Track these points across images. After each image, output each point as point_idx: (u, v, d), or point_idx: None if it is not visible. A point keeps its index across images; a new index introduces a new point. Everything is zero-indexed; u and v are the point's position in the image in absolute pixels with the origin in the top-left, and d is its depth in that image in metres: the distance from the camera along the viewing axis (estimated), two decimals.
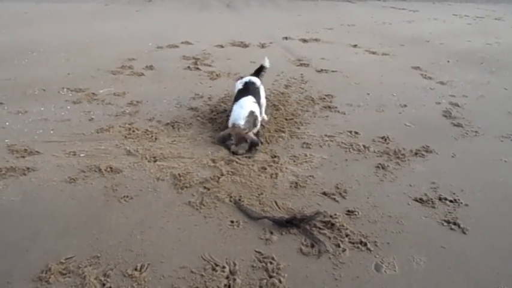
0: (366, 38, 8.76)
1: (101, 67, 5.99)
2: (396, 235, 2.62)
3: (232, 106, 3.97)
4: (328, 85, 5.53)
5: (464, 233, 2.67)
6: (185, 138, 3.84)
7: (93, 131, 3.93)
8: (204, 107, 4.64)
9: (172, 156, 3.50)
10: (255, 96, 3.97)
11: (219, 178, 3.18)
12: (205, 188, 3.05)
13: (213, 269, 2.28)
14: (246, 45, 7.83)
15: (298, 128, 4.13)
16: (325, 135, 3.98)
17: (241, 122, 3.66)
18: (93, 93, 4.92)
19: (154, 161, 3.41)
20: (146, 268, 2.28)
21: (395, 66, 6.64)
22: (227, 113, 4.40)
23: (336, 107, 4.73)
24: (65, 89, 5.03)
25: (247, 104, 3.81)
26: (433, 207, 2.93)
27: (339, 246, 2.49)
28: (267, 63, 4.61)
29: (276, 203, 2.90)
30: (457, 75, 6.16)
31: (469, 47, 8.16)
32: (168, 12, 11.83)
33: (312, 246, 2.49)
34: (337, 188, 3.12)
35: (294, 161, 3.49)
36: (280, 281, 2.21)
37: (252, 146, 3.60)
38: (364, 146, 3.78)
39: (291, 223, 2.64)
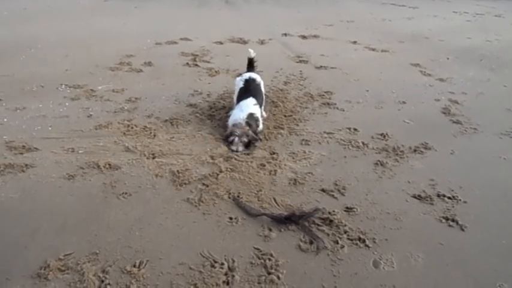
0: (366, 35, 8.74)
1: (99, 63, 5.97)
2: (394, 232, 2.63)
3: (234, 107, 4.03)
4: (328, 82, 5.52)
5: (462, 230, 2.67)
6: (184, 135, 3.84)
7: (92, 127, 3.92)
8: (202, 103, 4.63)
9: (171, 153, 3.49)
10: (256, 95, 4.00)
11: (217, 175, 3.18)
12: (204, 184, 3.05)
13: (212, 266, 2.29)
14: (245, 42, 7.81)
15: (297, 125, 4.13)
16: (324, 132, 3.98)
17: (242, 122, 3.69)
18: (91, 90, 4.91)
19: (153, 158, 3.41)
20: (145, 265, 2.28)
21: (395, 63, 6.63)
22: (226, 109, 4.40)
23: (335, 104, 4.73)
24: (63, 86, 5.01)
25: (247, 107, 3.84)
26: (432, 204, 2.93)
27: (337, 242, 2.50)
28: (252, 54, 4.62)
29: (274, 199, 2.90)
30: (457, 72, 6.16)
31: (469, 44, 8.14)
32: (167, 9, 11.78)
33: (311, 242, 2.49)
34: (336, 184, 3.12)
35: (293, 158, 3.49)
36: (278, 278, 2.21)
37: (251, 141, 3.60)
38: (363, 143, 3.78)
39: (289, 220, 2.64)
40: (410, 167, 3.43)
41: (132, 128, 3.93)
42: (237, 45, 7.56)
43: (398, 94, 5.13)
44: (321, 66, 6.25)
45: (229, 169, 3.27)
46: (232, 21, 10.12)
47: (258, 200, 2.89)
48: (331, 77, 5.81)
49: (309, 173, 3.27)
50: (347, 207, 2.84)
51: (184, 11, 11.54)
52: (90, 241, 2.44)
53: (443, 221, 2.75)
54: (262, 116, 4.07)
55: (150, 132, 3.85)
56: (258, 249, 2.43)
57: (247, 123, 3.69)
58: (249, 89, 4.06)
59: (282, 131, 3.97)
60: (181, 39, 7.79)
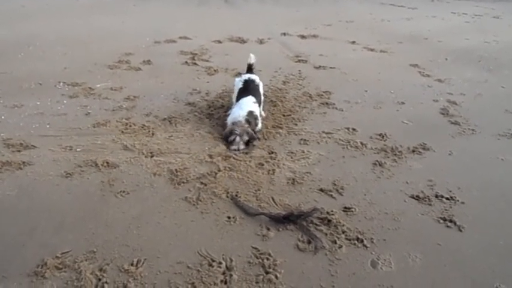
0: (364, 35, 8.75)
1: (98, 61, 5.95)
2: (393, 232, 2.63)
3: (233, 106, 4.03)
4: (326, 82, 5.52)
5: (460, 230, 2.67)
6: (182, 134, 3.83)
7: (90, 125, 3.91)
8: (201, 102, 4.63)
9: (169, 152, 3.49)
10: (255, 95, 4.00)
11: (216, 174, 3.17)
12: (202, 183, 3.05)
13: (210, 265, 2.28)
14: (244, 41, 7.80)
15: (296, 125, 4.13)
16: (323, 132, 3.98)
17: (241, 120, 3.68)
18: (90, 88, 4.89)
19: (151, 156, 3.40)
20: (142, 263, 2.27)
21: (394, 64, 6.64)
22: (225, 108, 4.39)
23: (334, 104, 4.73)
24: (62, 83, 5.00)
25: (246, 105, 3.85)
26: (430, 204, 2.93)
27: (335, 242, 2.50)
28: (252, 60, 4.62)
29: (273, 199, 2.90)
30: (455, 73, 6.16)
31: (467, 45, 8.15)
32: (166, 7, 11.76)
33: (309, 242, 2.49)
34: (334, 184, 3.12)
35: (291, 157, 3.49)
36: (276, 277, 2.21)
37: (250, 139, 3.60)
38: (361, 143, 3.78)
39: (288, 219, 2.64)
40: (408, 168, 3.43)
41: (130, 126, 3.92)
42: (236, 45, 7.56)
43: (397, 94, 5.14)
44: (320, 66, 6.25)
45: (227, 168, 3.26)
46: (232, 20, 10.11)
47: (257, 200, 2.88)
48: (330, 76, 5.81)
49: (308, 172, 3.26)
50: (345, 207, 2.84)
51: (184, 10, 11.53)
52: (88, 239, 2.44)
53: (441, 221, 2.75)
54: (261, 115, 4.07)
55: (149, 131, 3.84)
56: (256, 248, 2.43)
57: (247, 121, 3.69)
58: (248, 89, 4.08)
59: (280, 131, 3.96)
60: (180, 37, 7.78)
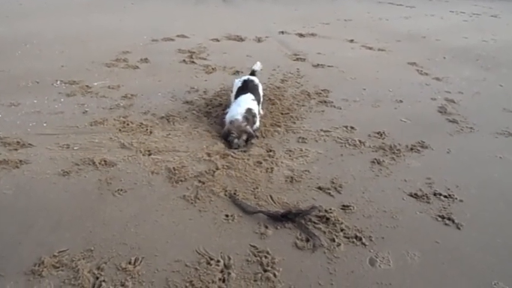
0: (363, 33, 8.74)
1: (95, 60, 5.93)
2: (391, 230, 2.63)
3: (231, 104, 4.02)
4: (324, 80, 5.51)
5: (458, 228, 2.67)
6: (180, 132, 3.82)
7: (87, 123, 3.89)
8: (199, 100, 4.61)
9: (167, 150, 3.48)
10: (253, 93, 4.00)
11: (214, 172, 3.16)
12: (200, 181, 3.04)
13: (208, 263, 2.28)
14: (242, 39, 7.79)
15: (294, 123, 4.12)
16: (321, 130, 3.97)
17: (239, 118, 3.67)
18: (87, 86, 4.87)
19: (149, 155, 3.39)
20: (140, 262, 2.26)
21: (392, 62, 6.64)
22: (223, 106, 4.38)
23: (332, 102, 4.72)
24: (59, 82, 4.97)
25: (245, 102, 3.85)
26: (428, 202, 2.93)
27: (333, 240, 2.49)
28: (257, 67, 4.69)
29: (271, 197, 2.89)
30: (453, 72, 6.17)
31: (465, 44, 8.16)
32: (164, 6, 11.73)
33: (307, 240, 2.48)
34: (333, 182, 3.11)
35: (290, 156, 3.48)
36: (275, 275, 2.20)
37: (249, 138, 3.60)
38: (359, 141, 3.78)
39: (286, 217, 2.63)
40: (406, 166, 3.43)
41: (128, 124, 3.90)
42: (234, 43, 7.54)
43: (395, 93, 5.13)
44: (318, 65, 6.24)
45: (225, 166, 3.26)
46: (230, 19, 10.09)
47: (255, 198, 2.87)
48: (328, 75, 5.80)
49: (306, 170, 3.26)
50: (343, 205, 2.84)
51: (181, 8, 11.50)
52: (85, 238, 2.42)
53: (440, 219, 2.75)
54: (259, 113, 4.06)
55: (146, 129, 3.83)
56: (254, 246, 2.42)
57: (245, 118, 3.68)
58: (247, 88, 4.08)
59: (278, 129, 3.96)
60: (178, 36, 7.75)
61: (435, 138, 3.92)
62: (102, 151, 3.41)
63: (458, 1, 15.08)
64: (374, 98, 4.94)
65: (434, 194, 3.02)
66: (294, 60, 6.51)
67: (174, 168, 3.19)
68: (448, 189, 3.10)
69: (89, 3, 11.55)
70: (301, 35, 8.40)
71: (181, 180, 3.04)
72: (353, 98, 4.90)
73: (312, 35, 8.50)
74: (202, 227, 2.58)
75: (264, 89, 4.87)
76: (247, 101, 3.86)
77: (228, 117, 3.79)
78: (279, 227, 2.59)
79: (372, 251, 2.43)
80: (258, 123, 3.86)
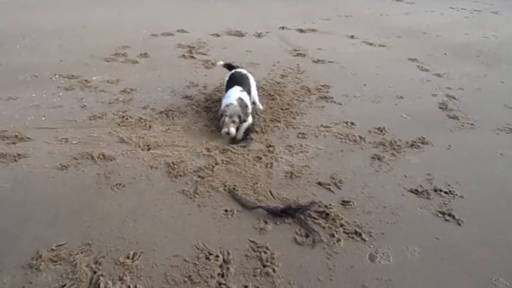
0: (363, 29, 8.69)
1: (94, 54, 5.89)
2: (391, 226, 2.61)
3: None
4: (325, 75, 5.48)
5: (459, 224, 2.66)
6: (179, 127, 3.80)
7: (86, 118, 3.87)
8: (198, 95, 4.59)
9: (166, 145, 3.46)
10: (242, 85, 3.97)
11: (213, 167, 3.14)
12: (199, 176, 3.02)
13: (207, 258, 2.26)
14: (242, 35, 7.74)
15: (294, 118, 4.10)
16: (321, 126, 3.95)
17: (233, 102, 3.64)
18: (86, 80, 4.84)
19: (148, 149, 3.37)
20: (139, 256, 2.25)
21: (392, 58, 6.60)
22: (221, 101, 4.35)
23: (332, 98, 4.70)
24: (57, 76, 4.94)
25: (234, 93, 3.80)
26: (428, 198, 2.92)
27: (333, 236, 2.48)
28: (219, 63, 4.86)
29: (270, 192, 2.88)
30: (454, 68, 6.13)
31: (466, 40, 8.12)
32: (164, 0, 11.66)
33: (307, 236, 2.47)
34: (333, 178, 3.10)
35: (290, 151, 3.47)
36: (274, 271, 2.19)
37: (242, 122, 3.63)
38: (360, 137, 3.76)
39: (285, 213, 2.62)
40: (407, 162, 3.41)
41: (127, 119, 3.88)
42: (234, 38, 7.50)
43: (396, 89, 5.11)
44: (319, 60, 6.21)
45: (225, 161, 3.24)
46: (230, 14, 10.03)
47: (254, 193, 2.86)
48: (329, 70, 5.77)
49: (306, 166, 3.24)
50: (343, 201, 2.83)
51: (181, 3, 11.42)
52: (83, 232, 2.41)
53: (440, 215, 2.74)
54: (259, 109, 4.04)
55: (145, 124, 3.80)
56: (253, 241, 2.41)
57: (240, 102, 3.64)
58: (235, 80, 4.05)
59: (278, 124, 3.93)
60: (177, 31, 7.70)
61: (436, 134, 3.90)
62: (101, 145, 3.39)
63: None
64: (374, 93, 4.92)
65: (435, 190, 3.01)
66: (294, 55, 6.47)
67: (173, 163, 3.17)
68: (449, 185, 3.09)
69: None
70: (301, 31, 8.35)
71: (180, 175, 3.03)
72: (353, 93, 4.87)
73: (313, 30, 8.45)
74: (201, 222, 2.56)
75: (263, 84, 4.86)
76: (236, 92, 3.80)
77: (222, 106, 3.72)
78: (278, 223, 2.58)
79: (371, 246, 2.42)
80: (250, 118, 3.82)
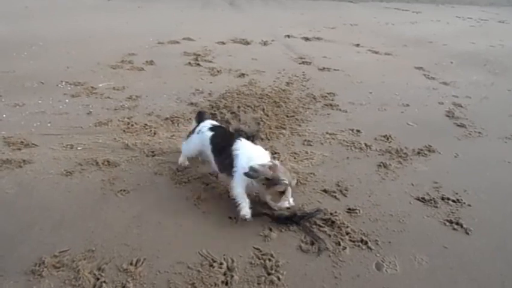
0: (369, 38, 8.71)
1: (101, 61, 5.93)
2: (398, 234, 2.57)
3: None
4: (330, 83, 5.47)
5: (467, 233, 2.61)
6: (184, 133, 3.78)
7: (91, 124, 3.88)
8: (204, 102, 4.59)
9: (171, 151, 3.44)
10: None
11: (217, 174, 3.12)
12: (203, 183, 3.00)
13: (211, 265, 2.23)
14: (247, 43, 7.78)
15: (300, 125, 4.08)
16: (327, 133, 3.93)
17: (276, 163, 2.67)
18: (92, 87, 4.86)
19: (153, 156, 3.36)
20: (142, 263, 2.22)
21: (398, 66, 6.59)
22: (228, 108, 4.34)
23: (338, 105, 4.68)
24: (64, 83, 4.97)
25: (258, 151, 2.80)
26: (436, 206, 2.88)
27: (339, 244, 2.44)
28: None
29: None
30: (461, 76, 6.11)
31: (473, 49, 8.10)
32: (170, 9, 11.77)
33: (312, 243, 2.43)
34: (338, 185, 3.07)
35: (295, 158, 3.44)
36: (278, 279, 2.15)
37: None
38: (365, 145, 3.73)
39: (291, 220, 2.59)
40: (413, 170, 3.38)
41: (132, 125, 3.88)
42: (239, 46, 7.54)
43: (402, 97, 5.09)
44: (324, 68, 6.21)
45: None
46: (236, 23, 10.10)
47: (259, 200, 2.83)
48: (334, 78, 5.76)
49: (311, 173, 3.21)
50: (349, 209, 2.79)
51: (188, 12, 11.53)
52: (87, 238, 2.39)
53: (448, 224, 2.69)
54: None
55: (151, 130, 3.80)
56: (258, 249, 2.38)
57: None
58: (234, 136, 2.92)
59: (284, 131, 3.92)
60: (183, 39, 7.76)
61: (443, 142, 3.86)
62: (106, 151, 3.39)
63: (465, 7, 15.02)
64: (380, 101, 4.90)
65: (442, 198, 2.97)
66: (300, 63, 6.48)
67: (177, 169, 3.15)
68: (456, 193, 3.05)
69: (95, 5, 11.62)
70: (307, 39, 8.38)
71: (184, 182, 3.01)
72: (359, 101, 4.86)
73: (318, 39, 8.48)
74: (206, 229, 2.53)
75: (269, 92, 4.86)
76: (260, 148, 2.84)
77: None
78: (283, 230, 2.55)
79: (378, 255, 2.38)
80: None
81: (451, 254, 2.42)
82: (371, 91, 5.23)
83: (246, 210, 2.59)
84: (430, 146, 3.75)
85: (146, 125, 3.91)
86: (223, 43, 7.62)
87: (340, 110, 4.57)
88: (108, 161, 3.22)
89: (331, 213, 2.71)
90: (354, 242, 2.48)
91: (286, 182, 2.55)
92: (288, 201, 2.60)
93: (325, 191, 2.99)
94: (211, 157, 2.91)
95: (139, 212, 2.65)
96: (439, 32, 9.77)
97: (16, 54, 6.15)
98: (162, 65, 6.01)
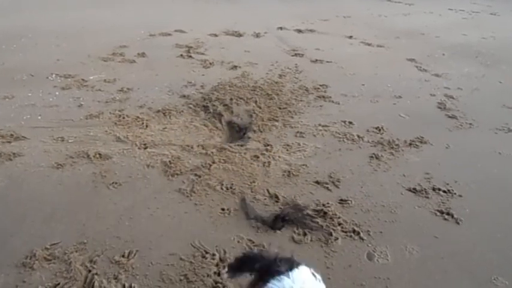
0: (362, 30, 8.69)
1: (91, 54, 5.85)
2: (389, 224, 2.59)
3: None
4: (323, 75, 5.46)
5: (457, 223, 2.64)
6: (176, 126, 3.77)
7: (82, 117, 3.84)
8: (196, 94, 4.56)
9: (163, 144, 3.43)
10: None
11: (210, 166, 3.12)
12: (196, 175, 2.99)
13: (203, 257, 2.24)
14: (240, 35, 7.72)
15: (292, 117, 4.07)
16: (319, 125, 3.93)
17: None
18: (82, 80, 4.80)
19: (145, 148, 3.34)
20: (134, 255, 2.22)
21: (391, 58, 6.58)
22: (220, 101, 4.32)
23: (330, 97, 4.67)
24: (54, 75, 4.91)
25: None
26: (427, 197, 2.90)
27: (331, 234, 2.46)
28: None
29: (268, 191, 2.85)
30: (452, 68, 6.12)
31: (465, 41, 8.11)
32: (162, 1, 11.65)
33: (304, 234, 2.44)
34: (331, 177, 3.08)
35: (287, 150, 3.44)
36: None
37: None
38: (358, 136, 3.74)
39: (284, 220, 2.55)
40: (405, 161, 3.39)
41: (123, 118, 3.85)
42: (232, 38, 7.48)
43: (394, 88, 5.09)
44: (317, 60, 6.19)
45: (222, 160, 3.21)
46: (228, 15, 10.01)
47: (251, 192, 2.83)
48: (327, 70, 5.74)
49: (303, 165, 3.22)
50: (341, 200, 2.80)
51: (179, 4, 11.40)
52: (78, 230, 2.38)
53: (439, 214, 2.72)
54: None
55: (142, 123, 3.77)
56: (250, 240, 2.38)
57: None
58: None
59: (276, 123, 3.91)
60: (175, 31, 7.67)
61: (434, 133, 3.88)
62: (97, 144, 3.37)
63: None
64: (373, 93, 4.90)
65: (433, 189, 2.99)
66: (292, 55, 6.45)
67: (169, 161, 3.14)
68: (447, 184, 3.07)
69: None
70: (299, 31, 8.33)
71: (177, 174, 3.00)
72: (351, 93, 4.85)
73: (311, 31, 8.44)
74: (198, 221, 2.54)
75: (261, 84, 4.84)
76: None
77: None
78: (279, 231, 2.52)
79: (369, 245, 2.40)
80: None
81: (441, 244, 2.44)
82: (363, 83, 5.23)
83: None
84: (422, 138, 3.77)
85: (138, 117, 3.88)
86: (215, 35, 7.55)
87: (332, 101, 4.57)
88: (99, 154, 3.20)
89: (323, 205, 2.72)
90: (346, 232, 2.49)
91: None
92: None
93: (317, 182, 3.00)
94: None
95: (131, 204, 2.65)
96: (431, 24, 9.76)
97: (5, 47, 6.05)
98: (154, 57, 5.95)
